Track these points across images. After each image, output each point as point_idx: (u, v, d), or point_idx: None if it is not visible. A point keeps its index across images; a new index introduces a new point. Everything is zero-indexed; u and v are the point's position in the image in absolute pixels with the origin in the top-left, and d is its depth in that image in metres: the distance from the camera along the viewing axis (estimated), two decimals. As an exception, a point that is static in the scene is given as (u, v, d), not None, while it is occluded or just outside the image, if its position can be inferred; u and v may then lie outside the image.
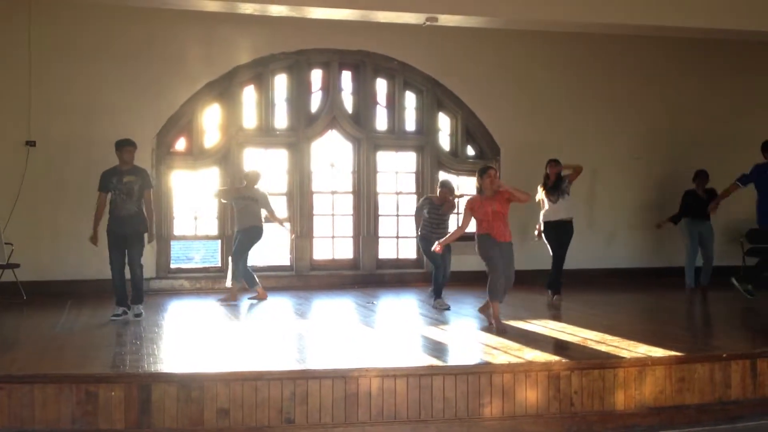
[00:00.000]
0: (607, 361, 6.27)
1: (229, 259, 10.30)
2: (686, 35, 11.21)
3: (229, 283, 10.12)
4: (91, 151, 10.55)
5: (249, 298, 10.14)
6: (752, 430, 6.14)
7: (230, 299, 9.93)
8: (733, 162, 10.79)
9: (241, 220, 10.06)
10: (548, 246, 9.97)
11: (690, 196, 11.05)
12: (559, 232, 9.88)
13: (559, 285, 9.87)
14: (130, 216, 8.39)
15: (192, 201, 11.51)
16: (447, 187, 9.64)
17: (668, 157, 12.48)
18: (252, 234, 10.04)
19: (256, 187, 10.17)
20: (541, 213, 10.03)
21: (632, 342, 6.93)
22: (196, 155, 11.30)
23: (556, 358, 6.34)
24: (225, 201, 10.57)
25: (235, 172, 11.30)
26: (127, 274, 8.51)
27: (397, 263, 12.19)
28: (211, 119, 11.45)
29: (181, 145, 11.32)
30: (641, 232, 12.53)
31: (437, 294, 9.42)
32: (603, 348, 6.77)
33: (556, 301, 9.75)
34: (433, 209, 9.58)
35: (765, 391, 6.51)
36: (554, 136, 12.16)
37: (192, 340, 7.40)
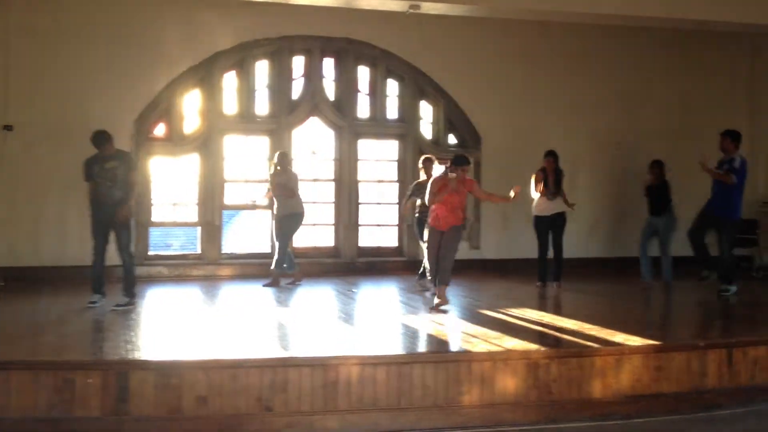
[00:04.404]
0: (585, 350, 6.31)
1: (276, 244, 10.31)
2: (674, 26, 11.25)
3: (273, 265, 10.23)
4: (70, 136, 10.44)
5: (278, 283, 10.23)
6: (728, 419, 6.20)
7: (297, 280, 10.29)
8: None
9: (281, 206, 10.22)
10: (539, 240, 10.07)
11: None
12: (554, 225, 9.98)
13: (559, 274, 10.03)
14: (115, 203, 8.16)
15: (171, 187, 11.44)
16: (430, 160, 9.74)
17: (650, 146, 12.49)
18: (295, 220, 10.25)
19: (289, 168, 10.32)
20: (533, 206, 10.09)
21: (610, 331, 6.97)
22: (176, 141, 11.20)
23: (534, 346, 6.37)
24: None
25: (217, 159, 11.27)
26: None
27: (378, 251, 12.17)
28: (191, 105, 11.34)
29: (160, 130, 11.21)
30: (621, 222, 12.59)
31: (422, 275, 9.57)
32: (581, 337, 6.81)
33: (556, 289, 9.85)
34: (425, 190, 9.59)
35: (741, 380, 6.58)
36: (535, 126, 12.18)
37: (170, 327, 7.36)
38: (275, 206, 10.33)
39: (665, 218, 10.34)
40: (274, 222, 10.43)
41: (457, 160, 8.38)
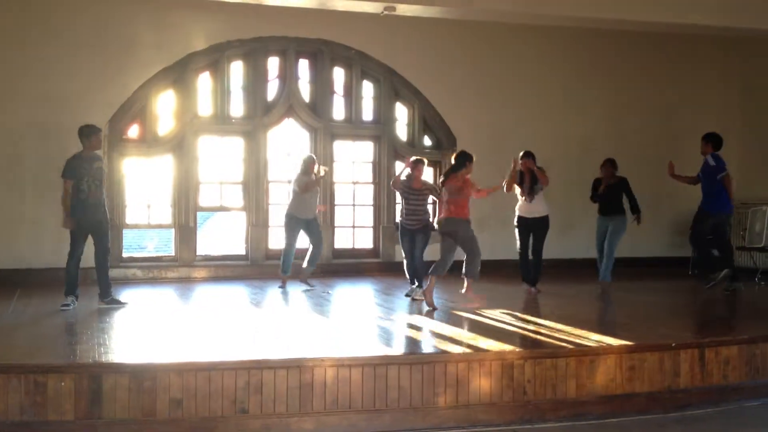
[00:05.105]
0: (559, 350, 6.35)
1: (313, 249, 10.19)
2: (642, 29, 11.40)
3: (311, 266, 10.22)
4: (43, 138, 10.38)
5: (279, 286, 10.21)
6: (700, 418, 6.26)
7: (284, 283, 10.18)
8: (686, 153, 10.99)
9: (314, 207, 10.21)
10: (519, 240, 9.85)
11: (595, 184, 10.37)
12: (534, 228, 9.76)
13: (537, 278, 9.86)
14: (101, 203, 8.31)
15: (145, 189, 11.35)
16: (422, 162, 9.45)
17: (622, 147, 12.59)
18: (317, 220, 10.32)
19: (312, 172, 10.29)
20: (517, 206, 9.85)
21: (584, 331, 7.02)
22: (150, 142, 11.13)
23: (509, 347, 6.39)
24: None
25: (191, 161, 11.22)
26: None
27: (353, 253, 12.17)
28: (165, 106, 11.28)
29: (134, 132, 11.13)
30: (593, 224, 12.66)
31: (411, 281, 9.35)
32: (556, 337, 6.85)
33: (534, 293, 9.74)
34: (411, 194, 9.33)
35: (713, 379, 6.65)
36: (510, 127, 12.26)
37: (144, 329, 7.30)
38: (303, 207, 10.07)
39: (618, 219, 10.08)
40: (304, 223, 10.10)
41: (468, 156, 8.73)
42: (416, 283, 9.29)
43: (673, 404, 6.43)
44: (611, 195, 10.13)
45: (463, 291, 8.70)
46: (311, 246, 10.17)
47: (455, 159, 8.83)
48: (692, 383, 6.57)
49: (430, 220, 9.56)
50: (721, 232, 9.69)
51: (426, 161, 9.69)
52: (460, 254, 8.73)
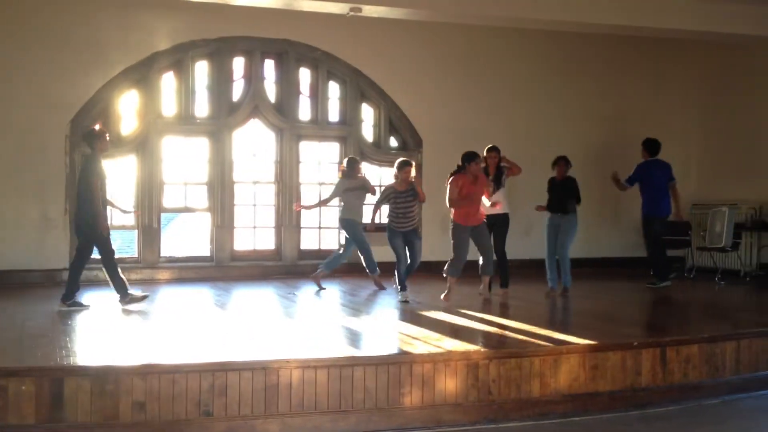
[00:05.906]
0: (524, 350, 6.40)
1: (358, 251, 10.20)
2: (612, 32, 11.50)
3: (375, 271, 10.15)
4: (4, 138, 10.21)
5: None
6: (662, 417, 6.35)
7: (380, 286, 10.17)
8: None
9: (357, 211, 10.26)
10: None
11: (549, 183, 10.18)
12: (495, 226, 9.52)
13: (507, 279, 9.73)
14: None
15: (108, 189, 11.16)
16: (410, 164, 9.37)
17: (585, 147, 12.72)
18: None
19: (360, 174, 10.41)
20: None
21: (548, 331, 7.09)
22: (113, 143, 10.97)
23: (474, 347, 6.43)
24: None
25: (155, 161, 11.11)
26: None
27: (320, 254, 12.11)
28: (128, 106, 11.16)
29: (97, 132, 10.99)
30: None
31: (402, 287, 9.16)
32: (520, 337, 6.91)
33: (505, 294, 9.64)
34: (399, 197, 9.27)
35: (674, 378, 6.75)
36: (476, 128, 12.29)
37: (107, 332, 7.21)
38: (352, 211, 10.18)
39: (570, 217, 9.85)
40: (356, 227, 10.16)
41: (473, 156, 8.80)
42: (406, 288, 9.15)
43: (635, 402, 6.51)
44: (561, 193, 9.93)
45: (443, 296, 8.87)
46: (359, 250, 10.21)
47: (461, 160, 8.86)
48: (654, 382, 6.66)
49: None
50: (648, 233, 10.51)
51: (414, 163, 9.62)
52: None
